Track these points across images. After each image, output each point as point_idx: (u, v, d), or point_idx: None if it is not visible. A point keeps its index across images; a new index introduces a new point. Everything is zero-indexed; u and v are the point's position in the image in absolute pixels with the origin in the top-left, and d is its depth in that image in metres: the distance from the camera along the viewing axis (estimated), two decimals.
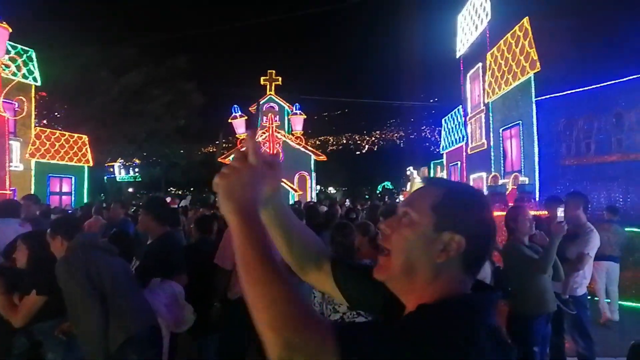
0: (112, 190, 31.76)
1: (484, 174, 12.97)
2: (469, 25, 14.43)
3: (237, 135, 22.46)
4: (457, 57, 15.73)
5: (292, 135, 22.40)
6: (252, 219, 0.94)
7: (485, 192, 9.70)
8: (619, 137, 8.40)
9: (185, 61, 29.62)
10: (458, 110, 15.81)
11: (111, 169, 32.00)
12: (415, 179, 22.05)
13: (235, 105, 21.90)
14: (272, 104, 22.71)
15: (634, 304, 6.90)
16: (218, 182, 0.99)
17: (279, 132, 21.71)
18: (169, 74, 29.04)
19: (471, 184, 14.30)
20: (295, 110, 22.22)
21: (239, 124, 21.99)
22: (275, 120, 21.55)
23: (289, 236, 1.21)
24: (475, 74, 13.99)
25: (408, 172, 25.09)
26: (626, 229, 7.39)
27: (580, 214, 4.78)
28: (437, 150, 19.00)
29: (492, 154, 12.39)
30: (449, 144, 17.03)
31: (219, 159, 24.10)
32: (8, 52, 12.68)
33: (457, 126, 15.75)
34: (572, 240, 4.55)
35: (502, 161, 11.68)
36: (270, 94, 22.68)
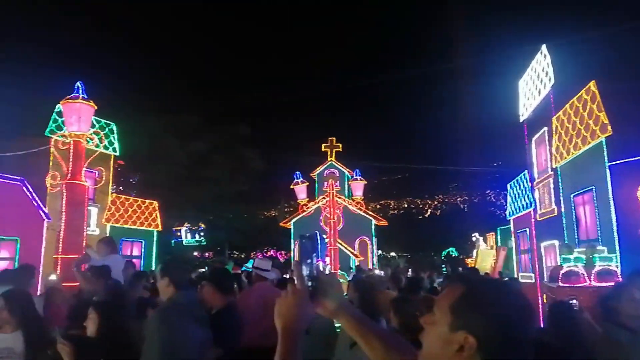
0: (178, 254, 32.79)
1: (555, 242, 12.25)
2: (532, 90, 14.25)
3: (298, 201, 22.81)
4: (521, 121, 15.45)
5: (353, 200, 22.47)
6: (288, 334, 1.21)
7: (559, 263, 9.11)
8: None
9: (247, 128, 31.05)
10: (524, 175, 15.31)
11: (178, 233, 33.23)
12: (481, 246, 21.18)
13: (297, 172, 22.44)
14: (333, 170, 23.09)
15: None
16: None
17: (339, 197, 21.85)
18: (232, 141, 30.47)
19: (542, 252, 13.53)
20: (356, 175, 22.41)
21: (301, 190, 22.39)
22: (336, 186, 21.77)
23: (367, 339, 1.33)
24: (541, 138, 13.62)
25: (474, 239, 24.18)
26: None
27: None
28: (503, 215, 18.30)
29: (564, 221, 11.75)
30: (515, 209, 16.37)
31: (281, 224, 24.45)
32: (93, 126, 13.88)
33: (524, 191, 15.18)
34: None
35: (575, 229, 11.01)
36: (331, 160, 23.14)
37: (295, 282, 1.25)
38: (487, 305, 1.00)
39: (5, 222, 12.93)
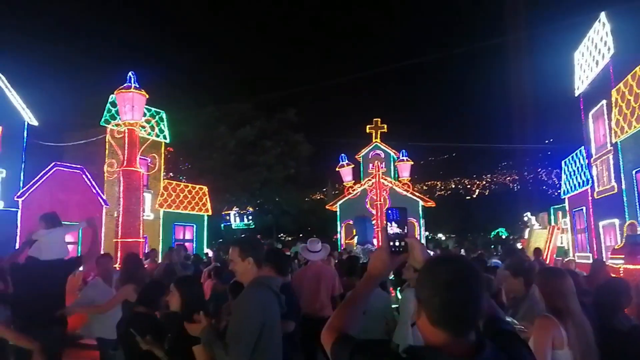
0: (228, 237, 33.65)
1: (616, 221, 11.71)
2: (588, 62, 13.52)
3: (344, 183, 22.84)
4: (576, 95, 14.74)
5: (399, 181, 22.25)
6: (369, 276, 1.61)
7: (622, 242, 8.72)
8: None
9: (294, 114, 31.19)
10: (580, 151, 14.65)
11: (227, 217, 34.03)
12: (534, 226, 20.52)
13: (343, 155, 22.40)
14: (378, 152, 22.91)
15: None
16: None
17: (385, 179, 21.67)
18: (280, 126, 30.75)
19: (600, 231, 12.98)
20: (402, 156, 22.13)
21: (346, 172, 22.37)
22: (382, 167, 21.60)
23: None
24: (599, 112, 12.95)
25: (525, 218, 23.44)
26: None
27: None
28: (557, 193, 17.61)
29: (625, 198, 11.19)
30: (571, 187, 15.73)
31: (327, 206, 24.58)
32: (144, 114, 14.34)
33: (580, 168, 14.55)
34: None
35: (637, 206, 10.47)
36: (376, 142, 22.93)
37: (382, 242, 1.59)
38: (425, 274, 1.29)
39: (68, 209, 13.64)
